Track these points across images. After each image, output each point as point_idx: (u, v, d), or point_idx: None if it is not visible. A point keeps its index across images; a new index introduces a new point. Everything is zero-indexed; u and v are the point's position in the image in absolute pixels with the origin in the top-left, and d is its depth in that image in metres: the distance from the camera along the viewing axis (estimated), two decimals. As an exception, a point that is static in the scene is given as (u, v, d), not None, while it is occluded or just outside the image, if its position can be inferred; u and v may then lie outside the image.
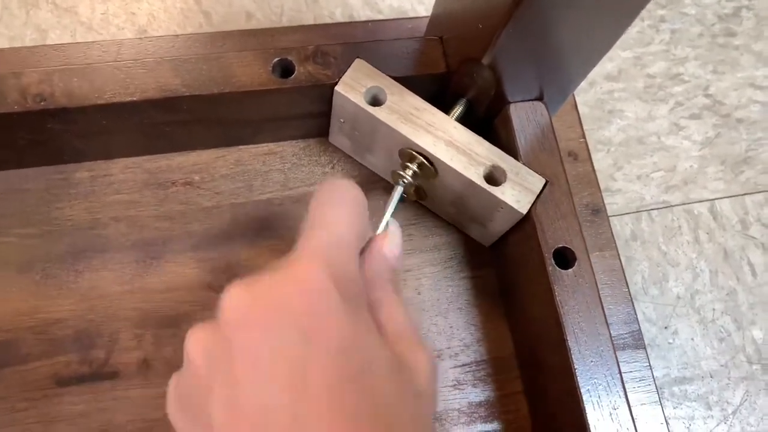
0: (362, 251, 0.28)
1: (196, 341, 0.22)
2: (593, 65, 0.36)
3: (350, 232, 0.25)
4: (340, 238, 0.24)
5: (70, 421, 0.36)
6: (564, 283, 0.34)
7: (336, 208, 0.26)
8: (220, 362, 0.20)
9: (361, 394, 0.20)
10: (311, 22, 0.53)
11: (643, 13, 0.37)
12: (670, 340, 0.48)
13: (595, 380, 0.33)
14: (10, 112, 0.35)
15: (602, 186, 0.46)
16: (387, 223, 0.32)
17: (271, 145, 0.43)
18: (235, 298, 0.21)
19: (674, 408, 0.47)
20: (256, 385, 0.19)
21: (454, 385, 0.39)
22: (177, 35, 0.45)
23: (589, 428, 0.32)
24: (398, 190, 0.36)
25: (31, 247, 0.39)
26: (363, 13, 0.54)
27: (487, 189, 0.35)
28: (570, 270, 0.34)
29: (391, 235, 0.30)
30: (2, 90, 0.35)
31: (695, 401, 0.47)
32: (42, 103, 0.35)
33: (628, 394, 0.39)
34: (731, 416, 0.46)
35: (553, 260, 0.35)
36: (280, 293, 0.21)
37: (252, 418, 0.19)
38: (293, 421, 0.19)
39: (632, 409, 0.34)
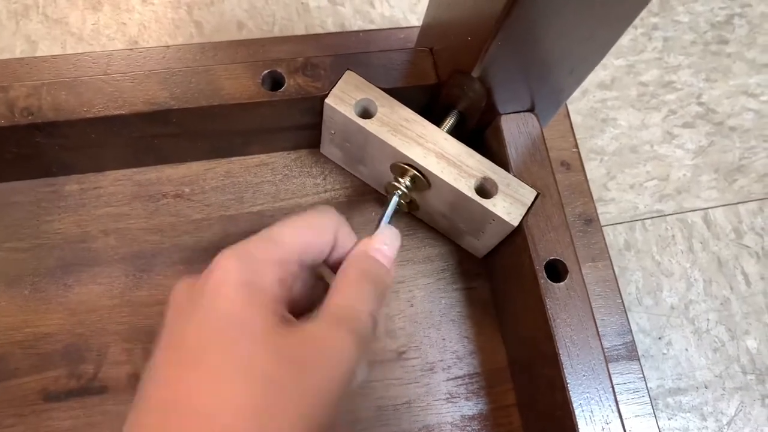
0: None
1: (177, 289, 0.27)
2: (584, 76, 0.36)
3: (290, 239, 0.27)
4: (272, 241, 0.27)
5: (58, 437, 0.36)
6: (555, 296, 0.34)
7: (286, 222, 0.28)
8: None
9: (224, 362, 0.23)
10: (303, 31, 0.53)
11: (636, 21, 0.37)
12: (665, 351, 0.48)
13: (588, 394, 0.33)
14: (-3, 126, 0.34)
15: (595, 195, 0.46)
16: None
17: (262, 157, 0.43)
18: (178, 284, 0.27)
19: (669, 419, 0.47)
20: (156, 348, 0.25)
21: (447, 398, 0.39)
22: (168, 46, 0.45)
23: (581, 443, 0.32)
24: (393, 201, 0.35)
25: (20, 260, 0.39)
26: (354, 23, 0.54)
27: (478, 201, 0.35)
28: (562, 283, 0.34)
29: (377, 234, 0.31)
30: (-11, 104, 0.34)
31: (690, 412, 0.47)
32: (30, 117, 0.35)
33: (622, 405, 0.39)
34: (726, 427, 0.46)
35: (544, 273, 0.34)
36: (198, 284, 0.26)
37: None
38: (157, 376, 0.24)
39: (626, 421, 0.34)
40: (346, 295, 0.27)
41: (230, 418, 0.22)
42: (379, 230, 0.31)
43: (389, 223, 0.34)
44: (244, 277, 0.25)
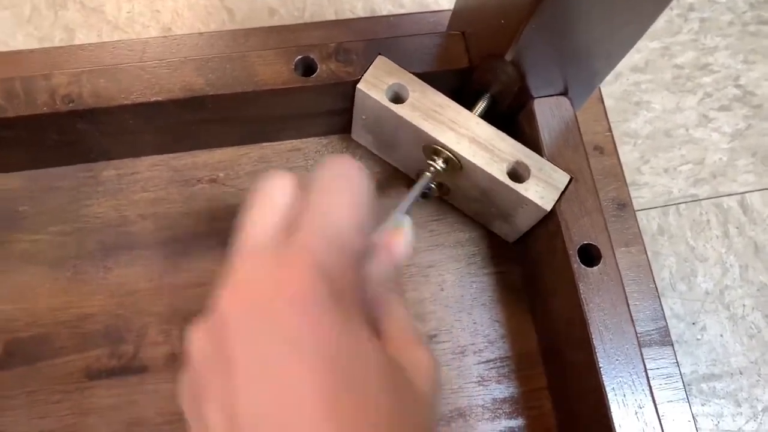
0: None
1: (195, 339, 0.22)
2: (619, 59, 0.35)
3: (350, 226, 0.23)
4: (339, 233, 0.22)
5: (101, 414, 0.37)
6: (589, 280, 0.34)
7: (337, 196, 0.23)
8: (215, 363, 0.20)
9: (354, 401, 0.19)
10: (333, 16, 0.53)
11: (672, 1, 0.36)
12: (699, 337, 0.47)
13: (620, 378, 0.32)
14: (40, 114, 0.35)
15: (629, 180, 0.45)
16: (408, 208, 0.32)
17: (295, 142, 0.43)
18: (225, 299, 0.21)
19: (702, 405, 0.46)
20: (248, 394, 0.19)
21: (479, 381, 0.39)
22: (201, 33, 0.45)
23: (613, 427, 0.32)
24: (426, 177, 0.36)
25: (62, 244, 0.40)
26: (384, 7, 0.54)
27: (511, 185, 0.35)
28: (595, 267, 0.34)
29: (404, 235, 0.28)
30: (32, 91, 0.35)
31: (724, 398, 0.46)
32: (70, 104, 0.35)
33: (655, 391, 0.39)
34: (761, 414, 0.46)
35: (577, 257, 0.34)
36: (269, 301, 0.20)
37: (244, 426, 0.19)
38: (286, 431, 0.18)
39: (659, 406, 0.34)
40: (399, 316, 0.25)
41: None
42: (404, 231, 0.28)
43: (418, 198, 0.34)
44: (326, 289, 0.20)
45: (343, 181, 0.24)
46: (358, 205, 0.23)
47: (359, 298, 0.22)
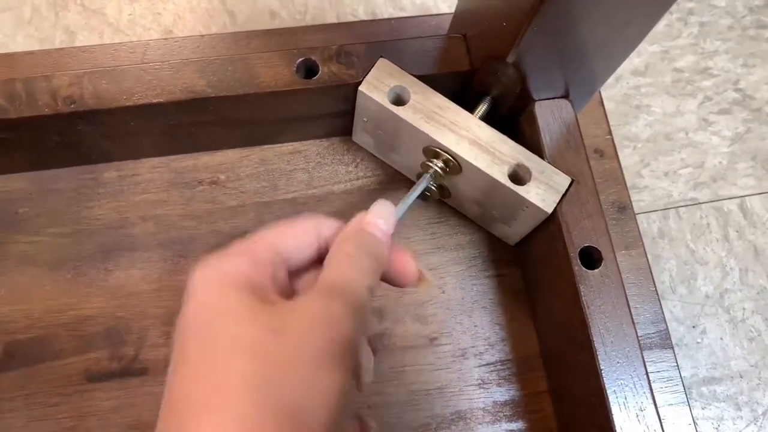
0: None
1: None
2: (620, 62, 0.36)
3: (261, 233, 0.27)
4: (243, 240, 0.26)
5: (100, 417, 0.37)
6: (590, 283, 0.34)
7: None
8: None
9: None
10: (334, 19, 0.54)
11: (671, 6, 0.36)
12: (699, 340, 0.47)
13: (622, 381, 0.32)
14: (41, 115, 0.35)
15: (629, 183, 0.45)
16: (410, 206, 0.33)
17: (296, 145, 0.43)
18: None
19: (702, 408, 0.46)
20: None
21: (479, 384, 0.39)
22: (202, 35, 0.45)
23: (615, 429, 0.32)
24: (425, 178, 0.36)
25: (63, 245, 0.40)
26: (386, 11, 0.54)
27: (512, 188, 0.35)
28: (596, 270, 0.34)
29: (372, 209, 0.29)
30: (34, 93, 0.35)
31: (724, 402, 0.46)
32: (72, 106, 0.35)
33: (655, 394, 0.39)
34: (761, 417, 0.46)
35: (578, 260, 0.34)
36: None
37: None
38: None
39: (660, 409, 0.34)
40: (340, 268, 0.26)
41: (234, 400, 0.21)
42: (373, 205, 0.29)
43: (416, 200, 0.34)
44: (214, 271, 0.25)
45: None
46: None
47: (252, 278, 0.25)
